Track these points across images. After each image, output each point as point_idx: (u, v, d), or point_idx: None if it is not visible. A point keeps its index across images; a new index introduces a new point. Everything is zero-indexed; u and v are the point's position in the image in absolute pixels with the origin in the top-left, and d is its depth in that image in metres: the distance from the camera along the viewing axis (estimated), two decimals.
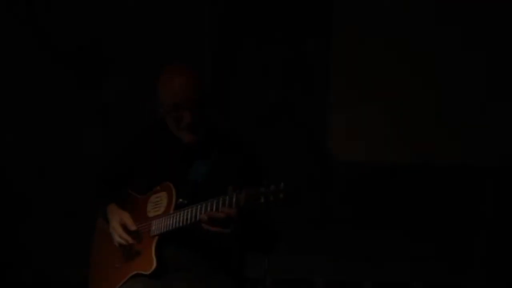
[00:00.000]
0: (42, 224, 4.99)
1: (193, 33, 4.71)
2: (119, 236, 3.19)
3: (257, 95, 4.79)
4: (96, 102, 4.90)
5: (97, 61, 4.85)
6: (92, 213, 3.48)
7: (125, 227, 3.19)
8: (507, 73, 4.20)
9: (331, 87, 4.31)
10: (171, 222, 3.09)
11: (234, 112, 4.74)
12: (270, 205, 2.83)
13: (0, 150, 4.99)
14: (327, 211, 4.90)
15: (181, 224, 3.05)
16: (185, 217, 3.04)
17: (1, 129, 4.98)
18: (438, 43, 4.22)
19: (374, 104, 4.29)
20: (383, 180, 4.74)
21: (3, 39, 4.84)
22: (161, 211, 3.16)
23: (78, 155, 4.91)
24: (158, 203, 3.20)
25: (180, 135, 3.19)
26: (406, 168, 4.59)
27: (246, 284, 3.30)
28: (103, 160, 3.50)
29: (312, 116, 4.73)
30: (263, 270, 3.43)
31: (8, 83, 4.91)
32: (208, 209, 2.96)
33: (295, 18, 4.69)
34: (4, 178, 5.00)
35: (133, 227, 3.18)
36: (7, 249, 5.04)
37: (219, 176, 3.07)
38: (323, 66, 4.34)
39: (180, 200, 3.14)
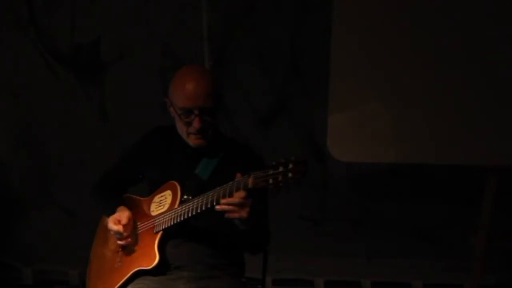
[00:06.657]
0: (42, 224, 4.99)
1: (192, 32, 4.71)
2: (114, 231, 3.19)
3: (257, 95, 4.79)
4: (96, 101, 4.90)
5: (97, 61, 4.85)
6: (92, 213, 3.49)
7: (118, 222, 3.19)
8: (508, 72, 4.19)
9: (330, 87, 4.30)
10: (175, 215, 3.08)
11: (234, 112, 4.74)
12: (278, 186, 2.78)
13: (0, 150, 4.99)
14: (327, 211, 4.90)
15: (185, 216, 3.05)
16: (190, 209, 3.04)
17: (1, 129, 4.98)
18: (438, 43, 4.22)
19: (373, 104, 4.28)
20: (383, 180, 4.74)
21: (3, 39, 4.84)
22: (166, 208, 3.17)
23: (78, 155, 4.91)
24: (162, 202, 3.20)
25: (187, 139, 3.19)
26: (406, 168, 4.58)
27: (246, 284, 3.30)
28: (107, 163, 3.49)
29: (312, 116, 4.73)
30: (262, 270, 3.44)
31: (8, 83, 4.91)
32: (215, 197, 2.96)
33: (295, 16, 4.69)
34: (4, 178, 5.01)
35: (123, 221, 3.18)
36: (7, 249, 5.04)
37: (225, 174, 3.05)
38: (323, 66, 4.34)
39: (185, 196, 3.15)
